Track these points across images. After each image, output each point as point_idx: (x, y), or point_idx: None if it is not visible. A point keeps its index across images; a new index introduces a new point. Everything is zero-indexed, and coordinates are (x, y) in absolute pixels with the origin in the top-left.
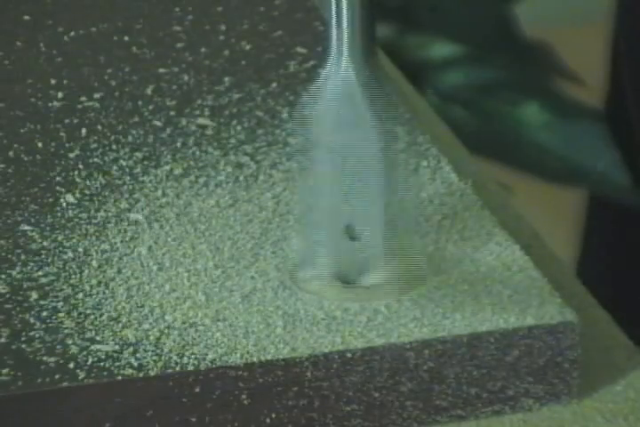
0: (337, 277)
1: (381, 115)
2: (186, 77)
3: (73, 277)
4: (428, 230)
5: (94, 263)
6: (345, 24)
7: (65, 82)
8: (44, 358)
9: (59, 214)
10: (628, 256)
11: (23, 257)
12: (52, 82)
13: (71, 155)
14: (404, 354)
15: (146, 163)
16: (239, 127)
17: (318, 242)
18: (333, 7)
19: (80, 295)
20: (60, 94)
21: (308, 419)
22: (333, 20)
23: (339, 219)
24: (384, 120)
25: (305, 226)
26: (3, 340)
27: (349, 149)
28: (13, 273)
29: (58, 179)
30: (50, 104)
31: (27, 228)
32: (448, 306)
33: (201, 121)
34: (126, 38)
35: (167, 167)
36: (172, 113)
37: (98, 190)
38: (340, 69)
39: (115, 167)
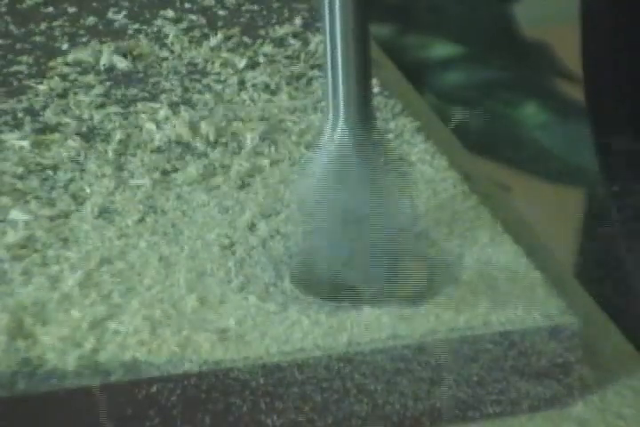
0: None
1: (380, 175)
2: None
3: (73, 274)
4: (427, 231)
5: (92, 261)
6: (341, 91)
7: None
8: (45, 360)
9: (53, 217)
10: (628, 256)
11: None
12: None
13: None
14: (404, 355)
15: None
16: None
17: (316, 265)
18: (329, 74)
19: (77, 293)
20: None
21: (308, 420)
22: (330, 87)
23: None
24: (383, 180)
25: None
26: (2, 341)
27: (350, 210)
28: None
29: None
30: None
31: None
32: (448, 306)
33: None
34: None
35: (167, 167)
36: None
37: (98, 193)
38: (337, 134)
39: (117, 167)
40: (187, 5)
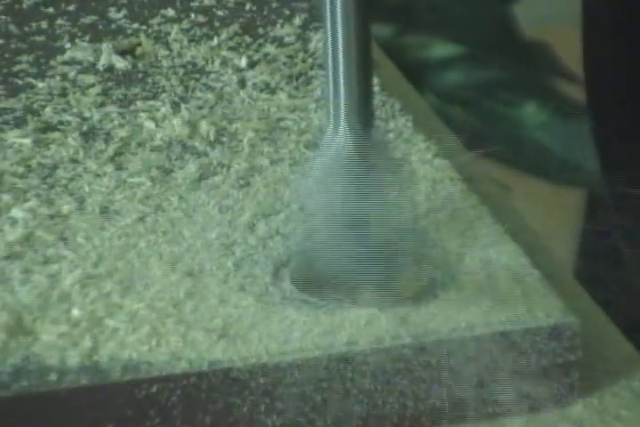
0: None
1: (381, 175)
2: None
3: (72, 273)
4: (427, 231)
5: (91, 259)
6: (342, 91)
7: None
8: (44, 358)
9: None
10: (628, 256)
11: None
12: None
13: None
14: (404, 354)
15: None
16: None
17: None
18: (330, 73)
19: (76, 292)
20: None
21: (308, 420)
22: (331, 87)
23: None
24: (384, 180)
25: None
26: (1, 339)
27: (351, 210)
28: None
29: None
30: None
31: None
32: (448, 306)
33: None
34: None
35: (167, 166)
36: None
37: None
38: (338, 134)
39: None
40: (187, 5)
